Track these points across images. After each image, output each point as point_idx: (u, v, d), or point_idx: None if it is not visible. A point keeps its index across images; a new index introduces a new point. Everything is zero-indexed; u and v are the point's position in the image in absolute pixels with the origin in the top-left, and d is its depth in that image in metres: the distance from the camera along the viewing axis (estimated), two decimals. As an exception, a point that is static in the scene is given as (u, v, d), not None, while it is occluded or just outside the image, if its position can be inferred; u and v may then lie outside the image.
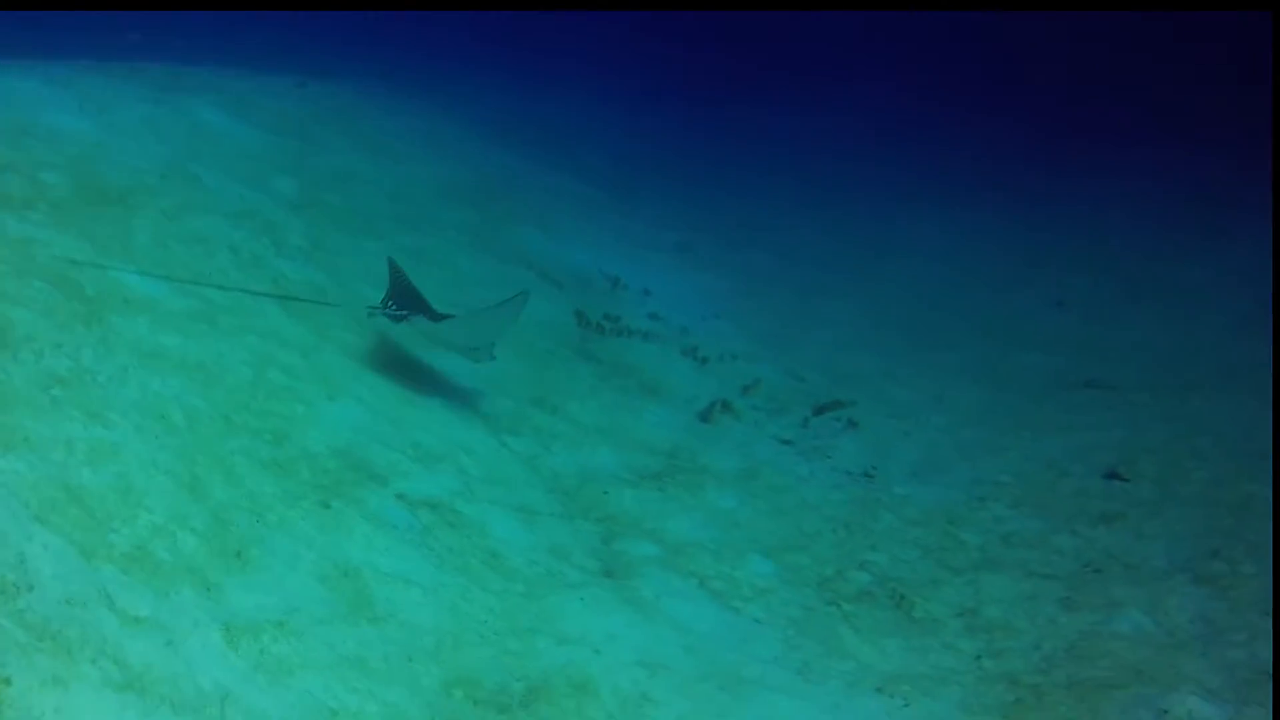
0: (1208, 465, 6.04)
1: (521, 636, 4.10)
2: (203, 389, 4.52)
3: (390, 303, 5.95)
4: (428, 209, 8.89)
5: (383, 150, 10.04)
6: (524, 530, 4.95)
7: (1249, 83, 15.22)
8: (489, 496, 5.12)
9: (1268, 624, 4.44)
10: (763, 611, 4.83)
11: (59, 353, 4.10)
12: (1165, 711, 3.92)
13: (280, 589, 3.72)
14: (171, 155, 6.86)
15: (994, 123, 17.93)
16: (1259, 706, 3.93)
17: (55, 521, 3.33)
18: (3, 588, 3.00)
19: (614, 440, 6.35)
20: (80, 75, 8.00)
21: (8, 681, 2.63)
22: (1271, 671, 4.12)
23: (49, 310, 4.31)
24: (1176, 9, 19.50)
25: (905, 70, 20.58)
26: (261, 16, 19.01)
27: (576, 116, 17.25)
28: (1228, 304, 9.49)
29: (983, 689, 4.25)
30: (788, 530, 5.60)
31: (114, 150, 6.46)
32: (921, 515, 5.81)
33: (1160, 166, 14.39)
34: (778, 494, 6.02)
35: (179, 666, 3.11)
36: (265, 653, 3.39)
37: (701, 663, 4.25)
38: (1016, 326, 9.44)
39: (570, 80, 19.99)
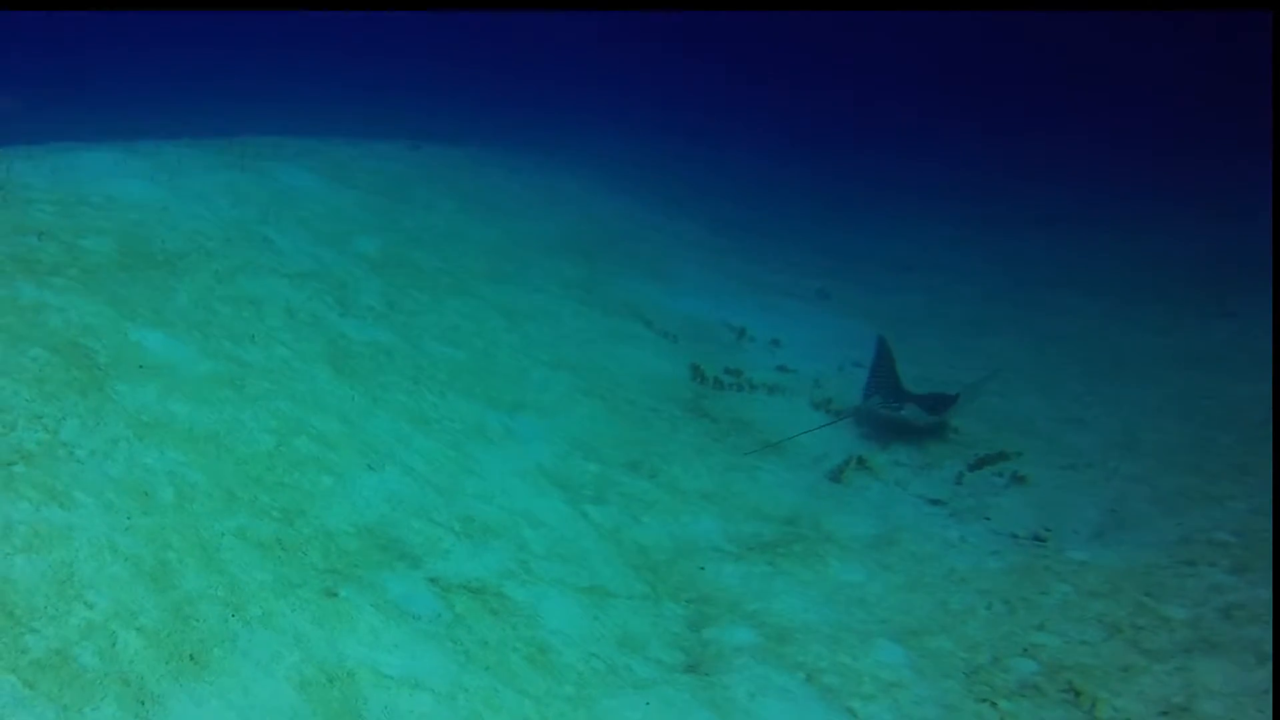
0: None
1: (554, 757, 3.22)
2: (208, 461, 3.95)
3: (881, 395, 6.46)
4: (532, 264, 8.31)
5: (494, 208, 9.58)
6: (588, 618, 4.08)
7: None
8: (550, 576, 4.29)
9: None
10: (888, 713, 3.75)
11: (35, 425, 3.63)
12: None
13: (242, 701, 3.01)
14: (242, 218, 6.52)
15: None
16: None
17: (-44, 621, 2.76)
18: None
19: (721, 507, 5.41)
20: (167, 147, 7.77)
21: None
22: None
23: (39, 379, 3.87)
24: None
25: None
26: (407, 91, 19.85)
27: (718, 163, 16.83)
28: None
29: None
30: (928, 608, 4.47)
31: (177, 215, 6.13)
32: (1107, 585, 4.53)
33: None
34: (918, 564, 4.89)
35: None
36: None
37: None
38: (1225, 354, 7.87)
39: (718, 129, 19.80)
